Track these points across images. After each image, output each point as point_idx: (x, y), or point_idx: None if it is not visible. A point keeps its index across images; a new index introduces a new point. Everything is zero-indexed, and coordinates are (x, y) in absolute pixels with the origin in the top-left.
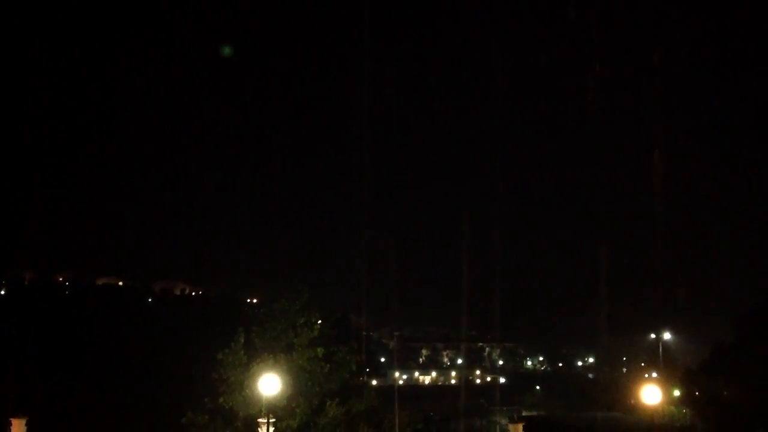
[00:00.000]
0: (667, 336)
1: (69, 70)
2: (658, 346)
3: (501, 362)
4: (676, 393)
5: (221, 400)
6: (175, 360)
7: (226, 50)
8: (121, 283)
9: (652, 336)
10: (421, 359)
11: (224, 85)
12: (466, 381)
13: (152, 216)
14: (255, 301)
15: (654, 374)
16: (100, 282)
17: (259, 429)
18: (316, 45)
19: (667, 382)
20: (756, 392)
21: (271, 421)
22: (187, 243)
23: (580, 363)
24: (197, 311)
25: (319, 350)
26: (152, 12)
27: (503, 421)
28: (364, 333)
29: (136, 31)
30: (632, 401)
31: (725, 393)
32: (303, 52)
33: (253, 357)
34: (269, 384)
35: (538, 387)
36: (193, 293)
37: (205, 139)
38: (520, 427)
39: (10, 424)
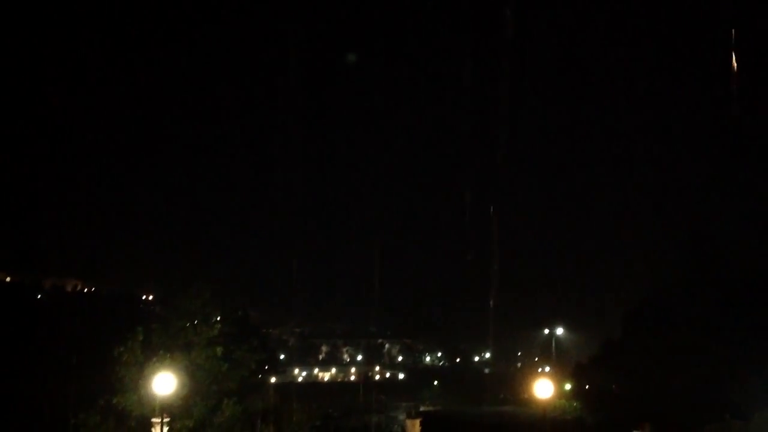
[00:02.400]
0: (560, 331)
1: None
2: (551, 341)
3: (400, 358)
4: (568, 386)
5: (115, 399)
6: (67, 359)
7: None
8: (9, 279)
9: (546, 331)
10: (321, 356)
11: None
12: (366, 377)
13: (41, 208)
14: (151, 298)
15: (547, 368)
16: None
17: (153, 429)
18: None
19: (559, 376)
20: (640, 385)
21: (165, 420)
22: (78, 237)
23: (477, 358)
24: (91, 308)
25: (218, 349)
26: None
27: (401, 417)
28: (264, 330)
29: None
30: (526, 395)
31: (613, 386)
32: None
33: (150, 355)
34: (164, 383)
35: (435, 382)
36: (86, 289)
37: (96, 125)
38: (417, 422)
39: None
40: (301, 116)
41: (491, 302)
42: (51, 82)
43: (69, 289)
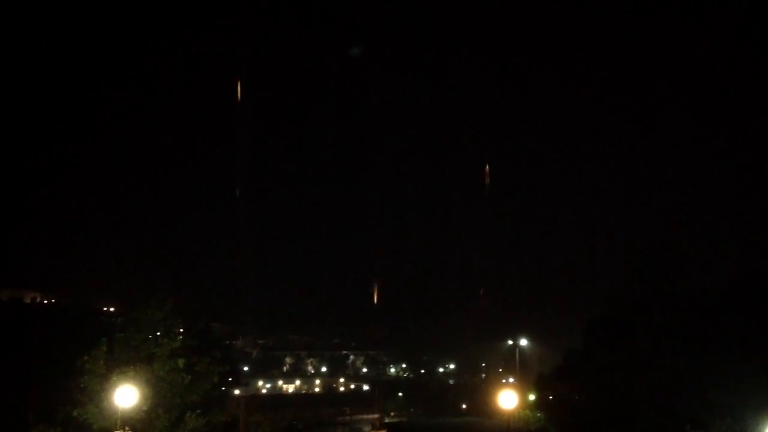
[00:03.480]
0: (523, 342)
1: None
2: (515, 353)
3: (365, 370)
4: (531, 397)
5: (75, 411)
6: (26, 371)
7: None
8: None
9: (510, 342)
10: (284, 368)
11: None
12: (330, 389)
13: None
14: (112, 309)
15: (511, 379)
16: None
17: None
18: None
19: (522, 387)
20: (602, 396)
21: None
22: (37, 247)
23: (441, 369)
24: (50, 321)
25: (180, 361)
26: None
27: (366, 429)
28: (227, 342)
29: None
30: (490, 406)
31: (576, 397)
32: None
33: (112, 367)
34: (125, 395)
35: (400, 393)
36: (45, 301)
37: (55, 133)
38: None
39: None
40: (258, 129)
41: (457, 313)
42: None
43: (27, 300)
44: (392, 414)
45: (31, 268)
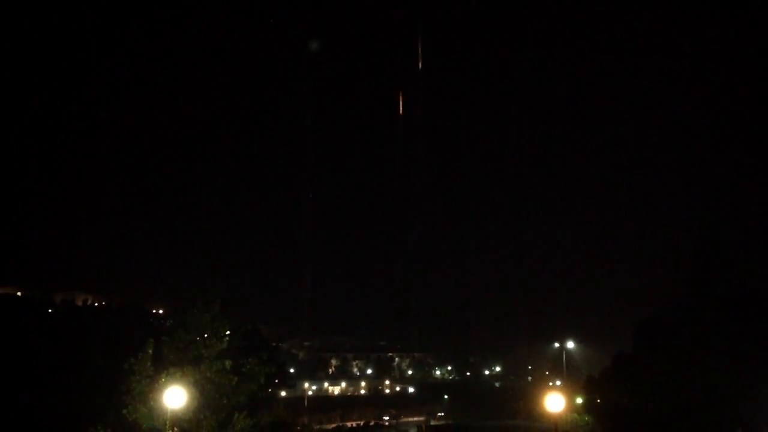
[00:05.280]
0: (570, 345)
1: None
2: (562, 355)
3: (410, 372)
4: (579, 400)
5: (125, 411)
6: (78, 372)
7: None
8: (19, 294)
9: (556, 345)
10: (330, 370)
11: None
12: (376, 391)
13: (51, 223)
14: (161, 312)
15: (558, 382)
16: None
17: None
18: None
19: (570, 389)
20: (651, 399)
21: None
22: (89, 252)
23: (487, 372)
24: (101, 322)
25: (227, 362)
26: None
27: (412, 431)
28: (274, 344)
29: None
30: (537, 409)
31: (625, 401)
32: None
33: (160, 368)
34: (175, 396)
35: (446, 396)
36: (96, 304)
37: (104, 140)
38: None
39: None
40: (309, 130)
41: (503, 316)
42: (57, 96)
43: (79, 303)
44: (438, 416)
45: (83, 271)
